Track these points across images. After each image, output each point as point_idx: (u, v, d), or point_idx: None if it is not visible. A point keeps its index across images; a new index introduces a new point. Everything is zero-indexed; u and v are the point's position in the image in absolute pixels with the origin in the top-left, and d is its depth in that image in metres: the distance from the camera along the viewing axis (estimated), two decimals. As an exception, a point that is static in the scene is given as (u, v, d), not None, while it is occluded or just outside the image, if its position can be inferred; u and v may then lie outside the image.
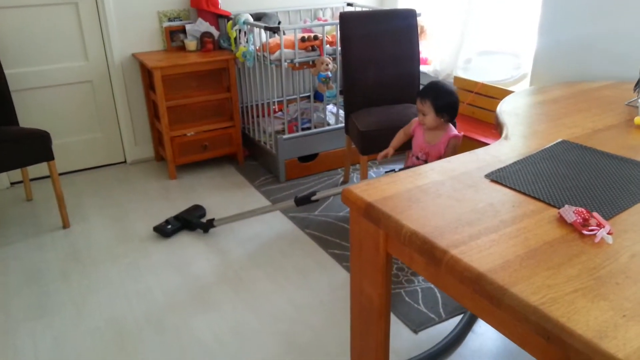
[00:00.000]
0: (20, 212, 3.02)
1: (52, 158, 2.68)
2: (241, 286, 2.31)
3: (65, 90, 3.37)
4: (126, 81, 3.50)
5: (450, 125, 2.31)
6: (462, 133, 2.33)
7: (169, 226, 2.74)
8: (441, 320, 2.05)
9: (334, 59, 3.23)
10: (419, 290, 2.23)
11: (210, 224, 2.73)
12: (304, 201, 2.47)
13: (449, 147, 2.27)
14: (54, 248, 2.65)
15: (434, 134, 2.30)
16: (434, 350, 1.87)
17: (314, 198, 2.44)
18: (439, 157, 2.26)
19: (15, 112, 2.92)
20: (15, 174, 3.34)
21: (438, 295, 2.19)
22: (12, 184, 3.37)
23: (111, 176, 3.49)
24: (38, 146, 2.62)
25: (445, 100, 2.24)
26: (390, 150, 2.47)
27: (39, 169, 3.39)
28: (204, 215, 2.91)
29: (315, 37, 3.18)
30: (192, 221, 2.77)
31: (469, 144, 2.96)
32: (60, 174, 3.50)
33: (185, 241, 2.67)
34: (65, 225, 2.84)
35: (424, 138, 2.33)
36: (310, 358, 1.89)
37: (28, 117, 3.30)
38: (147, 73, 3.45)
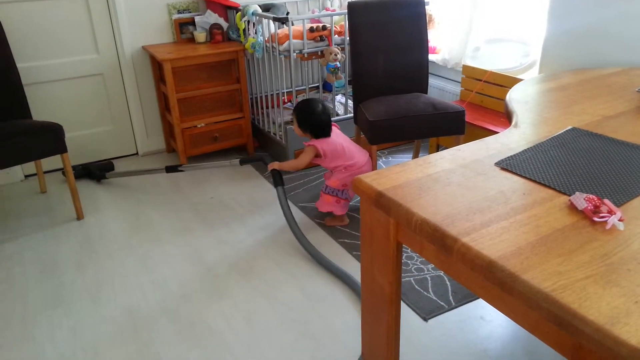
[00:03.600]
0: (35, 205, 3.07)
1: (66, 150, 2.72)
2: (253, 275, 2.34)
3: (77, 83, 3.40)
4: (137, 74, 3.52)
5: (313, 139, 2.62)
6: (313, 144, 2.60)
7: (73, 171, 3.07)
8: (451, 308, 2.07)
9: (343, 49, 3.23)
10: (429, 278, 2.25)
11: (102, 176, 3.29)
12: (172, 169, 3.00)
13: (303, 151, 2.66)
14: (69, 239, 2.69)
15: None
16: None
17: (180, 168, 2.97)
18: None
19: (28, 105, 2.95)
20: (29, 167, 3.38)
21: (448, 283, 2.21)
22: (27, 176, 3.42)
23: (123, 168, 3.52)
24: (51, 139, 2.66)
25: (306, 117, 2.61)
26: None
27: (52, 162, 3.43)
28: (110, 170, 3.39)
29: (324, 27, 3.17)
30: (92, 171, 3.30)
31: (478, 132, 2.96)
32: (73, 166, 3.53)
33: (197, 232, 2.70)
34: (79, 216, 2.88)
35: None
36: (322, 346, 1.92)
37: (41, 110, 3.33)
38: (157, 65, 3.47)
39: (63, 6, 3.21)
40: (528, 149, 1.44)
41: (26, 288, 2.32)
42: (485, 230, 1.06)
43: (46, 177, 3.36)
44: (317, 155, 2.63)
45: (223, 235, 2.68)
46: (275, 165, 2.68)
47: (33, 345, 1.98)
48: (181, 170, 3.01)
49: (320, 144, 2.59)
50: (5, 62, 2.86)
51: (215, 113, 3.47)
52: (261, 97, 3.66)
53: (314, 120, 2.59)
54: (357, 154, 2.65)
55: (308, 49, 3.14)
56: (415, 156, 3.32)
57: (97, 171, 3.31)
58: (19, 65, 3.09)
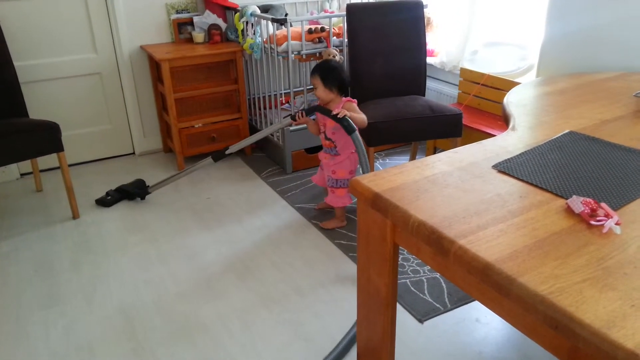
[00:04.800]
0: (31, 203, 3.06)
1: (62, 149, 2.71)
2: (249, 276, 2.34)
3: (74, 82, 3.39)
4: (134, 73, 3.52)
5: (343, 97, 2.53)
6: (355, 100, 2.53)
7: (109, 197, 3.03)
8: (447, 310, 2.07)
9: (341, 51, 3.23)
10: (425, 280, 2.25)
11: (145, 191, 3.05)
12: (219, 156, 2.85)
13: (351, 110, 2.48)
14: (64, 238, 2.68)
15: (329, 107, 2.51)
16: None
17: (227, 152, 2.82)
18: (334, 127, 2.54)
19: (25, 104, 2.94)
20: (25, 165, 3.37)
21: (444, 285, 2.21)
22: (22, 175, 3.41)
23: (120, 167, 3.51)
24: (48, 137, 2.65)
25: (331, 74, 2.50)
26: (303, 119, 2.64)
27: (48, 160, 3.42)
28: (143, 186, 3.11)
29: (322, 29, 3.17)
30: (129, 191, 3.04)
31: (475, 135, 2.96)
32: (70, 165, 3.52)
33: (194, 232, 2.70)
34: (75, 215, 2.87)
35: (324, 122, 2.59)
36: (317, 346, 1.92)
37: (38, 109, 3.32)
38: (155, 65, 3.47)
39: (61, 4, 3.21)
40: (525, 152, 1.44)
41: (21, 287, 2.31)
42: (482, 233, 1.06)
43: (42, 176, 3.34)
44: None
45: (219, 235, 2.67)
46: (345, 113, 2.41)
47: (27, 344, 1.97)
48: (228, 154, 2.82)
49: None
50: (3, 60, 2.85)
51: (213, 113, 3.46)
52: (259, 98, 3.65)
53: (342, 74, 2.51)
54: None
55: (306, 50, 3.15)
56: (413, 158, 3.32)
57: (135, 189, 3.05)
58: (16, 63, 3.08)
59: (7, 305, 2.19)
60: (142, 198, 3.05)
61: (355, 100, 2.56)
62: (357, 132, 2.40)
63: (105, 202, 3.00)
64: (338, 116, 2.40)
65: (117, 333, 2.02)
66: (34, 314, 2.13)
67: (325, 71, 2.51)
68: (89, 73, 3.41)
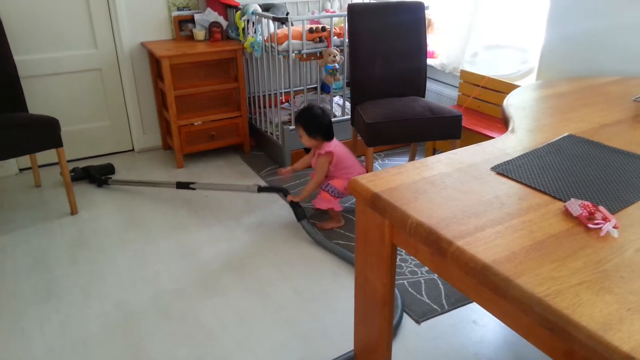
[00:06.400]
0: (29, 198, 3.05)
1: (61, 145, 2.70)
2: (246, 273, 2.34)
3: (74, 77, 3.39)
4: (135, 70, 3.51)
5: (325, 143, 2.62)
6: (331, 150, 2.60)
7: (72, 174, 3.14)
8: (444, 312, 2.07)
9: (342, 51, 3.23)
10: (422, 281, 2.25)
11: (103, 180, 3.15)
12: (183, 186, 2.90)
13: (317, 164, 2.64)
14: (62, 234, 2.68)
15: (314, 151, 2.68)
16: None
17: (192, 186, 2.89)
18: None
19: (24, 98, 2.94)
20: (24, 161, 3.36)
21: (441, 286, 2.21)
22: (21, 170, 3.40)
23: (119, 164, 3.51)
24: (47, 133, 2.64)
25: (313, 123, 2.58)
26: (295, 167, 2.85)
27: (47, 156, 3.41)
28: (108, 173, 3.28)
29: (323, 29, 3.18)
30: (91, 174, 3.18)
31: (475, 137, 2.97)
32: (69, 161, 3.52)
33: (192, 229, 2.70)
34: (73, 211, 2.86)
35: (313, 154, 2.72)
36: (314, 345, 1.92)
37: (37, 104, 3.32)
38: (155, 62, 3.46)
39: (62, 0, 3.20)
40: (524, 154, 1.45)
41: (17, 281, 2.31)
42: (480, 234, 1.06)
43: (41, 172, 3.34)
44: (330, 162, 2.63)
45: (217, 233, 2.67)
46: (295, 198, 2.65)
47: (21, 339, 1.96)
48: (192, 189, 2.90)
49: (332, 147, 2.60)
50: (3, 54, 2.85)
51: (213, 111, 3.46)
52: (259, 96, 3.65)
53: (324, 121, 2.59)
54: (353, 157, 2.68)
55: (307, 49, 3.15)
56: (412, 159, 3.32)
57: (98, 175, 3.20)
58: (16, 58, 3.07)
59: (3, 299, 2.19)
60: (99, 185, 3.17)
61: (331, 152, 2.60)
62: (304, 221, 2.60)
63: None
64: (287, 200, 2.66)
65: (113, 329, 2.01)
66: (29, 309, 2.13)
67: (307, 121, 2.59)
68: (89, 69, 3.41)
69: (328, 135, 2.62)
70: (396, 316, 2.00)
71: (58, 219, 2.82)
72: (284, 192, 2.76)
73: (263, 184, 3.20)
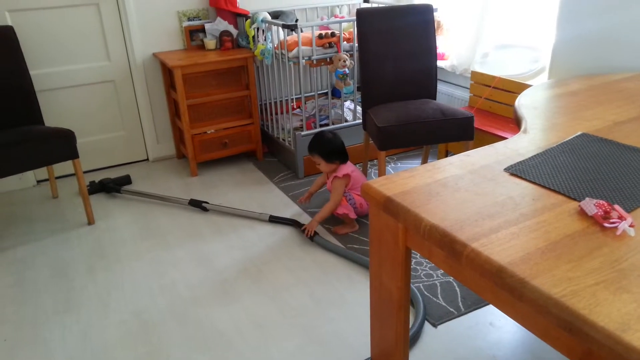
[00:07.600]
0: (47, 210, 3.10)
1: (77, 156, 2.75)
2: (262, 280, 2.35)
3: (88, 90, 3.44)
4: (147, 80, 3.56)
5: (342, 166, 2.70)
6: (348, 173, 2.68)
7: (88, 187, 3.23)
8: (460, 314, 2.06)
9: (351, 56, 3.24)
10: (438, 284, 2.24)
11: (116, 189, 3.23)
12: (196, 204, 2.98)
13: (333, 187, 2.68)
14: (80, 244, 2.71)
15: (331, 175, 2.74)
16: None
17: (205, 205, 2.96)
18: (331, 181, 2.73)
19: (40, 111, 2.99)
20: (41, 172, 3.42)
21: (457, 289, 2.20)
22: (39, 181, 3.46)
23: (134, 174, 3.55)
24: (63, 145, 2.69)
25: (329, 149, 2.67)
26: (311, 190, 2.92)
27: (64, 167, 3.47)
28: (122, 183, 3.35)
29: (333, 34, 3.19)
30: (106, 185, 3.26)
31: (487, 138, 2.95)
32: (85, 172, 3.57)
33: (207, 237, 2.72)
34: (90, 221, 2.90)
35: (328, 178, 2.78)
36: (331, 350, 1.92)
37: (53, 116, 3.37)
38: (167, 72, 3.50)
39: (75, 14, 3.26)
40: (537, 154, 1.44)
41: (37, 292, 2.34)
42: (494, 236, 1.06)
43: (58, 183, 3.39)
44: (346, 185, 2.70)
45: (232, 240, 2.69)
46: (312, 226, 2.63)
47: (44, 348, 1.99)
48: (205, 209, 2.97)
49: (349, 169, 2.68)
50: (19, 69, 2.90)
51: (225, 119, 3.49)
52: (270, 103, 3.68)
53: (337, 144, 2.69)
54: (365, 179, 2.75)
55: (317, 55, 3.16)
56: (424, 162, 3.31)
57: (112, 184, 3.26)
58: (31, 72, 3.13)
59: (24, 309, 2.22)
60: (108, 192, 3.26)
61: (348, 175, 2.67)
62: (316, 237, 2.60)
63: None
64: (308, 231, 2.61)
65: (132, 337, 2.04)
66: (50, 319, 2.16)
67: (323, 148, 2.67)
68: (103, 81, 3.46)
69: (344, 157, 2.70)
70: (418, 321, 2.00)
71: (75, 229, 2.87)
72: (295, 225, 2.76)
73: (276, 188, 3.22)
